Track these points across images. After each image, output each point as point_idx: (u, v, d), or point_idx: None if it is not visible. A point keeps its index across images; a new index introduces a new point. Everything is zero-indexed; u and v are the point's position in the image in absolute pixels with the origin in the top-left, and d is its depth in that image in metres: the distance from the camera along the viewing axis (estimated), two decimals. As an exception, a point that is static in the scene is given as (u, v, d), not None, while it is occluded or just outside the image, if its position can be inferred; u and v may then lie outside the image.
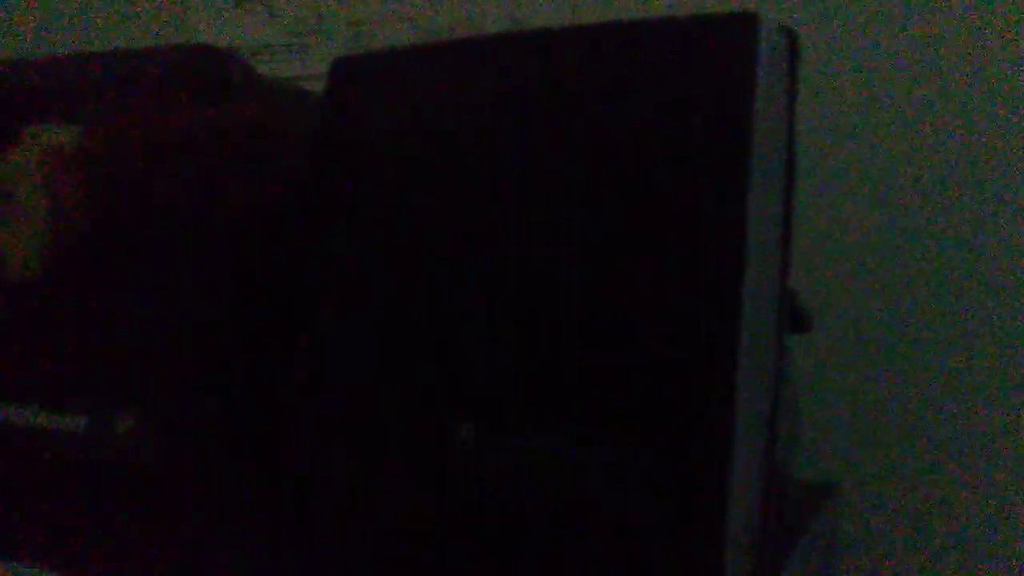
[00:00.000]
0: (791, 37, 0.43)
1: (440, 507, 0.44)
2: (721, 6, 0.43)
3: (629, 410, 0.40)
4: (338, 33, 1.00)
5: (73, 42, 1.15)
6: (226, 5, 1.06)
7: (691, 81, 0.41)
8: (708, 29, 0.42)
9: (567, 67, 0.44)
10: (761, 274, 0.41)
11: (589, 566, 0.41)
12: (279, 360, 0.50)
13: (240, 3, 1.05)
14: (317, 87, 0.52)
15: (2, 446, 0.51)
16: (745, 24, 0.41)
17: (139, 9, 1.11)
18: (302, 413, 0.49)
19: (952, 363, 0.74)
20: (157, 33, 1.10)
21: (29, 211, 0.51)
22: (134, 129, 0.49)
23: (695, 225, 0.40)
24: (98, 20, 1.14)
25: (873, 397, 0.76)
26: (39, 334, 0.51)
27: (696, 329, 0.40)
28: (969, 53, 0.74)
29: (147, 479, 0.49)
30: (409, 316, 0.46)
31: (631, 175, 0.42)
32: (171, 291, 0.49)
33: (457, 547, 0.44)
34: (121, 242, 0.50)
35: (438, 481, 0.44)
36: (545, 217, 0.43)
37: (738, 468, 0.39)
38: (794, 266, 0.44)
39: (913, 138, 0.76)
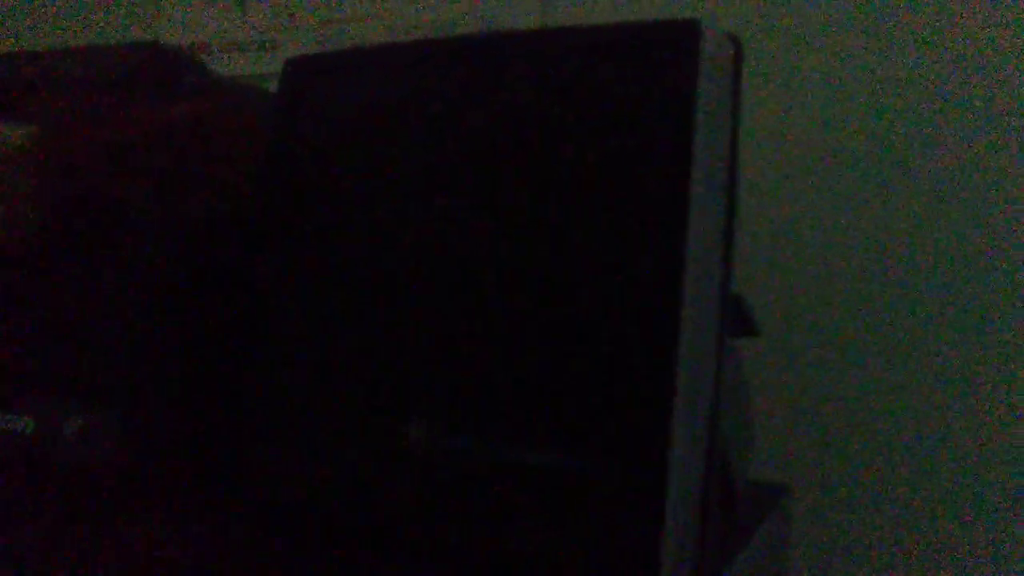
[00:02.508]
0: (736, 44, 0.43)
1: (392, 502, 0.44)
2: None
3: (569, 410, 0.41)
4: (310, 31, 1.00)
5: (43, 33, 1.15)
6: (198, 1, 1.05)
7: (635, 84, 0.42)
8: (653, 35, 0.42)
9: (516, 69, 0.45)
10: (703, 277, 0.41)
11: (530, 561, 0.41)
12: (234, 358, 0.50)
13: (212, 0, 1.05)
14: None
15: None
16: (688, 30, 0.41)
17: (110, 3, 1.11)
18: (257, 412, 0.49)
19: (904, 368, 0.75)
20: (128, 27, 1.10)
21: (-20, 209, 0.51)
22: (87, 128, 0.49)
23: (636, 228, 0.41)
24: (69, 12, 1.14)
25: (825, 401, 0.77)
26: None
27: (636, 331, 0.40)
28: (923, 58, 0.75)
29: (97, 480, 0.49)
30: (361, 315, 0.46)
31: (574, 178, 0.42)
32: (123, 290, 0.49)
33: (407, 541, 0.44)
34: (73, 242, 0.49)
35: (390, 477, 0.44)
36: (491, 218, 0.44)
37: (677, 468, 0.40)
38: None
39: (867, 140, 0.76)
